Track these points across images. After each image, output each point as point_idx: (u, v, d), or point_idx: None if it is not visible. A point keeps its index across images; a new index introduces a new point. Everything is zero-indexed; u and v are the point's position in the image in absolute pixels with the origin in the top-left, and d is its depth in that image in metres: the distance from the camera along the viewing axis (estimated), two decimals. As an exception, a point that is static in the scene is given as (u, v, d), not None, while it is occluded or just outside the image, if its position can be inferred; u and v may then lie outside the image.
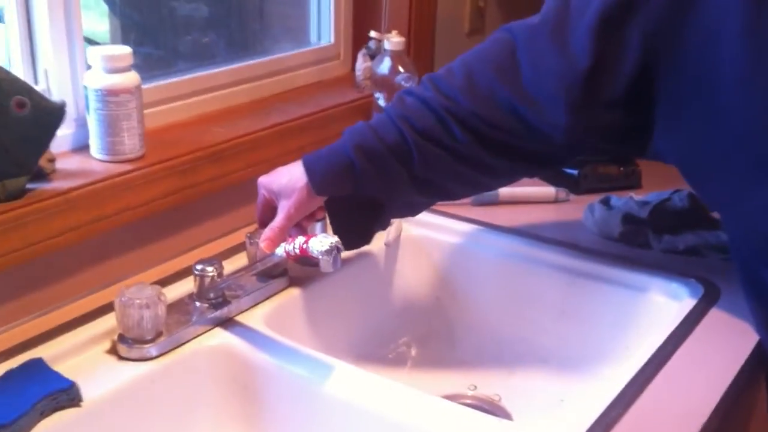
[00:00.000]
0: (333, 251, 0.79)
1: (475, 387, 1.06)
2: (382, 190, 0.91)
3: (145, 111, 1.01)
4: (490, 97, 0.87)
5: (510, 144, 0.89)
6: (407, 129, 0.89)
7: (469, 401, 1.04)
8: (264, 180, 0.92)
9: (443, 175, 0.92)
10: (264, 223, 0.91)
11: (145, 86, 1.00)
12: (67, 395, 0.76)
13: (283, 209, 0.89)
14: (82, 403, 0.77)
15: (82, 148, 0.97)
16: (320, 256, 0.79)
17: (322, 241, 0.79)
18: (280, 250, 0.83)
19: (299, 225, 0.91)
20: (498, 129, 0.88)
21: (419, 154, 0.89)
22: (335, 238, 0.79)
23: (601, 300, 1.05)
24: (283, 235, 0.87)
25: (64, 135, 0.97)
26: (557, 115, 0.85)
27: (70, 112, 0.97)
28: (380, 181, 0.90)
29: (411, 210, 0.99)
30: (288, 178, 0.90)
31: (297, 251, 0.81)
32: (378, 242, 1.10)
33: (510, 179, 1.01)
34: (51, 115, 0.85)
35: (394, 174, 0.90)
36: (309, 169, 0.89)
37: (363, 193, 0.90)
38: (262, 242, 0.87)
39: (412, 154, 0.89)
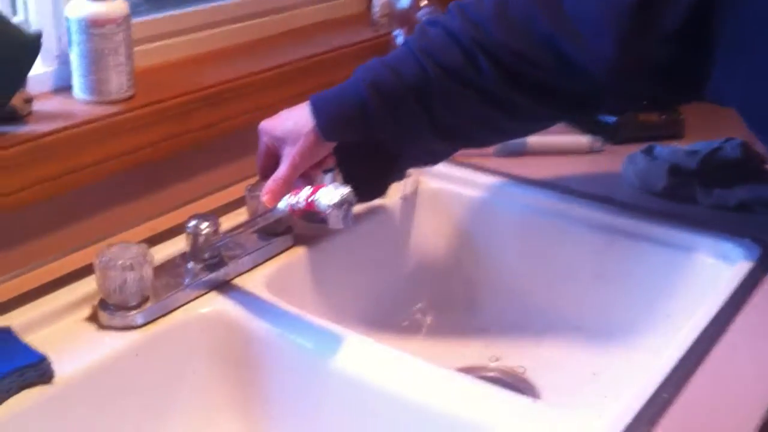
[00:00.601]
0: (344, 205, 0.68)
1: (498, 358, 0.96)
2: (399, 134, 0.81)
3: (137, 48, 0.91)
4: (526, 27, 0.77)
5: (544, 83, 0.79)
6: (430, 64, 0.78)
7: (491, 374, 0.94)
8: (266, 125, 0.82)
9: (467, 119, 0.82)
10: (266, 174, 0.81)
11: (136, 20, 0.89)
12: (35, 371, 0.67)
13: (287, 157, 0.79)
14: (53, 380, 0.67)
15: (65, 88, 0.87)
16: (329, 211, 0.69)
17: (331, 193, 0.69)
18: (284, 204, 0.73)
19: (306, 175, 0.81)
20: (532, 65, 0.78)
21: (442, 94, 0.79)
22: (346, 190, 0.69)
23: (641, 261, 0.94)
24: (286, 187, 0.78)
25: (45, 73, 0.87)
26: (603, 49, 0.74)
27: (51, 47, 0.87)
28: (396, 124, 0.80)
29: (430, 158, 0.90)
30: (293, 122, 0.79)
31: (302, 205, 0.71)
32: (393, 196, 0.99)
33: (540, 125, 0.90)
34: (23, 47, 0.74)
35: (413, 116, 0.80)
36: (317, 111, 0.79)
37: (377, 138, 0.81)
38: (264, 195, 0.77)
39: (433, 94, 0.79)
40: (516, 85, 0.79)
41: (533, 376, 0.94)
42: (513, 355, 0.96)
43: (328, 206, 0.68)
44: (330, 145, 0.81)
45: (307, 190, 0.71)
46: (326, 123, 0.78)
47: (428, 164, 0.93)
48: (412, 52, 0.79)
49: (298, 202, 0.71)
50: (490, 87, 0.79)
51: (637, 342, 0.92)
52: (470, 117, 0.82)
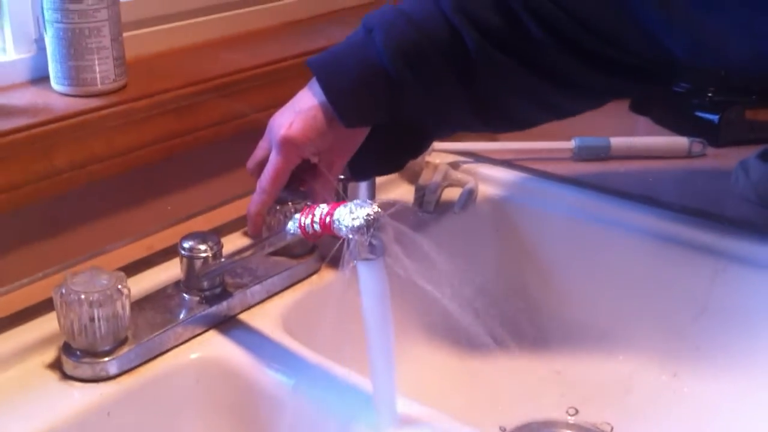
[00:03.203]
0: (371, 229, 0.50)
1: (577, 411, 0.77)
2: (428, 112, 0.66)
3: (131, 33, 0.75)
4: None
5: (606, 54, 0.64)
6: (467, 26, 0.63)
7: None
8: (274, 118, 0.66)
9: (511, 94, 0.67)
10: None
11: (129, -1, 0.74)
12: (-34, 440, 0.51)
13: (276, 146, 0.65)
14: (-7, 451, 0.52)
15: (43, 78, 0.71)
16: (350, 236, 0.50)
17: (353, 212, 0.50)
18: (294, 225, 0.55)
19: (317, 184, 0.67)
20: (595, 33, 0.63)
21: (483, 63, 0.63)
22: (373, 207, 0.50)
23: (757, 293, 0.75)
24: (270, 200, 0.65)
25: (19, 60, 0.72)
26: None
27: (28, 30, 0.72)
28: (427, 101, 0.64)
29: (459, 131, 0.76)
30: (292, 104, 0.65)
31: (317, 227, 0.53)
32: (446, 207, 0.83)
33: (597, 101, 0.73)
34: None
35: (447, 90, 0.65)
36: (325, 81, 0.64)
37: (401, 117, 0.65)
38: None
39: (473, 64, 0.63)
40: (572, 53, 0.64)
41: (622, 436, 0.75)
42: (595, 406, 0.78)
43: (349, 229, 0.50)
44: (338, 131, 0.65)
45: (323, 207, 0.53)
46: (342, 95, 0.63)
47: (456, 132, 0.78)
48: (442, 11, 0.64)
49: (311, 224, 0.53)
50: (539, 56, 0.64)
51: (752, 393, 0.74)
52: (515, 90, 0.67)
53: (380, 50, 0.63)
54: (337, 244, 0.52)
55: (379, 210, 0.50)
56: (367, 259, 0.51)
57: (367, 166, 0.70)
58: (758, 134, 0.93)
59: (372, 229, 0.50)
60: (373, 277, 0.51)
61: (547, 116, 0.73)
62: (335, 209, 0.52)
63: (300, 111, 0.65)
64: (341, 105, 0.63)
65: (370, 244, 0.50)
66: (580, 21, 0.62)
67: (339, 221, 0.51)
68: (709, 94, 0.96)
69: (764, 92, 0.94)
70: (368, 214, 0.50)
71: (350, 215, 0.50)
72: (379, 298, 0.52)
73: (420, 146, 0.72)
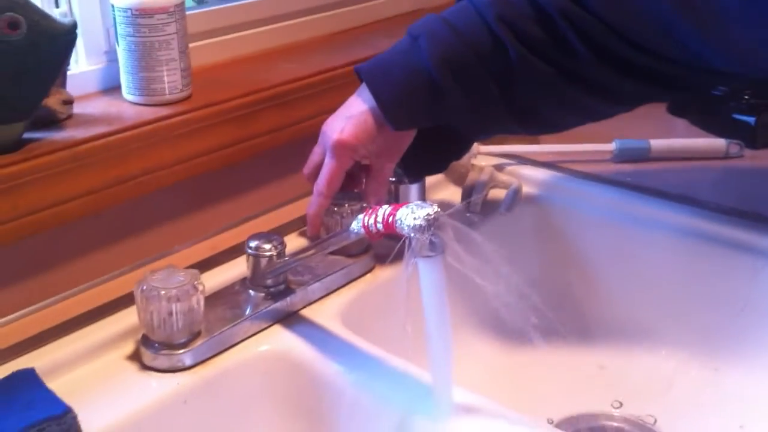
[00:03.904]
0: (431, 228, 0.53)
1: (621, 404, 0.80)
2: (470, 116, 0.69)
3: (197, 43, 0.80)
4: (635, 3, 0.62)
5: (644, 64, 0.66)
6: (509, 36, 0.65)
7: (615, 424, 0.78)
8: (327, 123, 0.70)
9: (549, 100, 0.69)
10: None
11: (194, 11, 0.78)
12: (59, 426, 0.55)
13: (330, 151, 0.68)
14: (81, 435, 0.56)
15: (114, 89, 0.76)
16: (411, 235, 0.54)
17: (415, 212, 0.54)
18: (357, 225, 0.59)
19: (375, 185, 0.70)
20: (636, 48, 0.65)
21: (523, 71, 0.66)
22: (434, 208, 0.54)
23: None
24: (326, 202, 0.68)
25: (91, 71, 0.76)
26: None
27: (99, 42, 0.77)
28: (469, 106, 0.68)
29: (500, 134, 0.79)
30: (345, 110, 0.69)
31: (381, 226, 0.57)
32: (492, 208, 0.86)
33: (632, 106, 0.75)
34: (55, 39, 0.63)
35: (488, 96, 0.67)
36: (374, 86, 0.67)
37: (445, 121, 0.69)
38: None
39: (513, 71, 0.66)
40: (612, 66, 0.66)
41: (665, 427, 0.77)
42: (639, 399, 0.80)
43: (411, 228, 0.54)
44: (387, 135, 0.68)
45: (386, 208, 0.56)
46: (390, 101, 0.66)
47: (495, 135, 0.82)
48: (485, 21, 0.66)
49: (374, 223, 0.57)
50: (578, 67, 0.66)
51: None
52: (552, 98, 0.69)
53: (425, 58, 0.66)
54: (399, 243, 0.55)
55: (439, 210, 0.54)
56: (427, 257, 0.54)
57: (414, 167, 0.74)
58: (795, 135, 0.95)
59: (432, 228, 0.53)
60: (433, 274, 0.55)
61: (582, 120, 0.76)
62: (397, 210, 0.55)
63: (351, 116, 0.68)
64: (389, 110, 0.66)
65: (430, 242, 0.54)
66: (618, 33, 0.65)
67: (401, 221, 0.54)
68: (746, 97, 0.98)
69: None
70: (428, 214, 0.53)
71: (412, 215, 0.54)
72: (438, 293, 0.55)
73: (462, 148, 0.75)
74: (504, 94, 0.68)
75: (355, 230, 0.59)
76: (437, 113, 0.69)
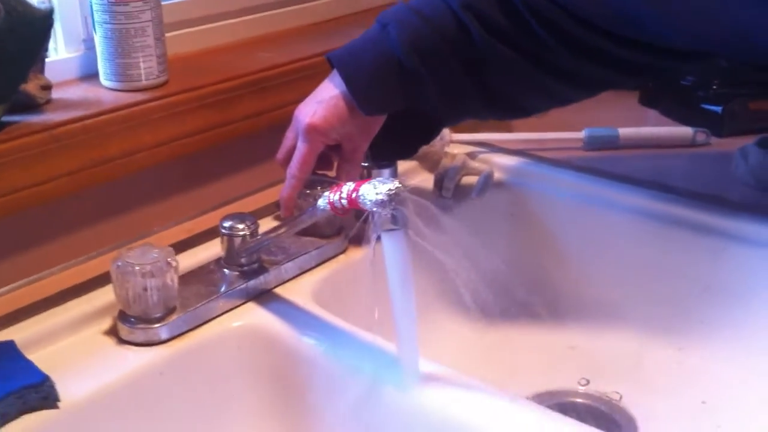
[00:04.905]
0: (392, 202, 0.56)
1: (588, 381, 0.82)
2: (438, 100, 0.71)
3: (175, 33, 0.82)
4: None
5: (608, 51, 0.68)
6: (473, 22, 0.68)
7: (580, 400, 0.80)
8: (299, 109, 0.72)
9: (515, 85, 0.72)
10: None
11: (173, 1, 0.80)
12: (37, 393, 0.57)
13: (301, 133, 0.70)
14: (59, 404, 0.58)
15: (92, 75, 0.78)
16: (374, 210, 0.56)
17: (377, 187, 0.56)
18: (323, 202, 0.61)
19: (347, 164, 0.71)
20: (597, 32, 0.67)
21: (489, 56, 0.68)
22: (395, 184, 0.56)
23: (757, 271, 0.79)
24: (299, 184, 0.69)
25: (70, 59, 0.78)
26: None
27: (77, 30, 0.79)
28: (438, 91, 0.70)
29: (468, 119, 0.80)
30: (316, 94, 0.70)
31: (345, 202, 0.59)
32: (464, 194, 0.88)
33: (596, 90, 0.78)
34: (32, 25, 0.65)
35: (455, 80, 0.69)
36: (345, 71, 0.68)
37: (414, 105, 0.70)
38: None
39: (480, 56, 0.68)
40: (571, 49, 0.68)
41: (631, 403, 0.80)
42: (606, 378, 0.83)
43: (373, 203, 0.56)
44: (358, 118, 0.70)
45: (350, 185, 0.59)
46: (361, 85, 0.68)
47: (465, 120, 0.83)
48: (451, 8, 0.69)
49: (339, 199, 0.59)
50: (541, 51, 0.69)
51: (753, 365, 0.78)
52: (519, 82, 0.72)
53: (395, 43, 0.68)
54: (359, 221, 0.58)
55: (400, 185, 0.56)
56: (389, 230, 0.56)
57: (383, 150, 0.76)
58: (761, 124, 0.97)
59: (393, 203, 0.55)
60: (396, 246, 0.57)
61: (549, 104, 0.78)
62: (360, 186, 0.57)
63: (322, 101, 0.70)
64: (360, 94, 0.69)
65: (392, 215, 0.56)
66: (578, 18, 0.67)
67: (364, 196, 0.56)
68: (714, 87, 1.00)
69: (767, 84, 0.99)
70: (389, 189, 0.55)
71: (374, 190, 0.56)
72: (401, 265, 0.57)
73: (432, 133, 0.77)
74: (472, 78, 0.71)
75: (322, 207, 0.61)
76: (407, 98, 0.71)
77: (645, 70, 0.72)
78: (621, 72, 0.71)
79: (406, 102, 0.71)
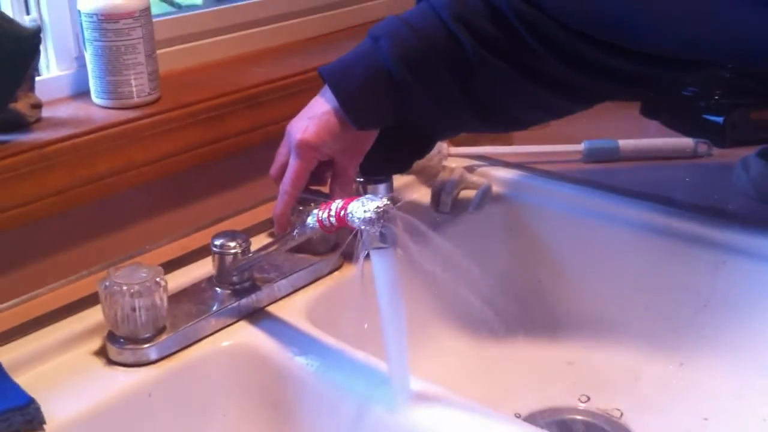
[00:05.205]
0: (381, 220, 0.55)
1: (588, 398, 0.81)
2: (431, 113, 0.70)
3: (167, 49, 0.82)
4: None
5: (599, 62, 0.68)
6: (464, 34, 0.67)
7: (580, 417, 0.79)
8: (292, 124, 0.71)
9: (507, 96, 0.71)
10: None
11: (165, 18, 0.80)
12: (22, 416, 0.56)
13: (294, 150, 0.69)
14: (45, 427, 0.57)
15: (84, 93, 0.78)
16: (362, 227, 0.55)
17: (365, 204, 0.55)
18: (312, 220, 0.60)
19: (340, 184, 0.70)
20: (587, 42, 0.66)
21: (481, 68, 0.68)
22: (384, 201, 0.55)
23: (759, 285, 0.78)
24: (292, 200, 0.69)
25: (62, 77, 0.78)
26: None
27: (69, 47, 0.79)
28: (430, 104, 0.69)
29: (461, 132, 0.80)
30: (308, 110, 0.70)
31: (334, 220, 0.58)
32: (462, 208, 0.87)
33: (590, 102, 0.77)
34: (19, 43, 0.65)
35: (447, 93, 0.69)
36: (336, 87, 0.68)
37: (407, 119, 0.70)
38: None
39: (471, 69, 0.68)
40: (565, 61, 0.68)
41: (632, 420, 0.78)
42: (606, 394, 0.81)
43: (361, 221, 0.55)
44: (350, 133, 0.69)
45: (338, 202, 0.58)
46: (352, 100, 0.67)
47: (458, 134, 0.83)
48: (442, 20, 0.68)
49: (328, 217, 0.58)
50: (533, 62, 0.68)
51: (756, 381, 0.77)
52: (511, 94, 0.71)
53: (386, 57, 0.67)
54: (349, 237, 0.57)
55: (389, 203, 0.55)
56: (378, 248, 0.56)
57: (376, 165, 0.75)
58: (763, 135, 0.96)
59: (382, 220, 0.55)
60: (385, 264, 0.56)
61: (543, 116, 0.77)
62: (349, 203, 0.57)
63: (314, 116, 0.69)
64: (351, 108, 0.68)
65: (381, 233, 0.55)
66: (568, 28, 0.66)
67: (352, 214, 0.56)
68: (716, 97, 0.99)
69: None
70: (378, 207, 0.55)
71: (362, 208, 0.55)
72: (390, 283, 0.57)
73: (425, 147, 0.76)
74: (464, 91, 0.70)
75: (311, 224, 0.60)
76: (399, 112, 0.70)
77: (638, 81, 0.71)
78: (614, 82, 0.70)
79: (397, 115, 0.70)
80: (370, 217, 0.55)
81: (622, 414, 0.79)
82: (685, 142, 0.96)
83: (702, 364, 0.80)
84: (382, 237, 0.55)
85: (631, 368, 0.83)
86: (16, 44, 0.64)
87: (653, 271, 0.84)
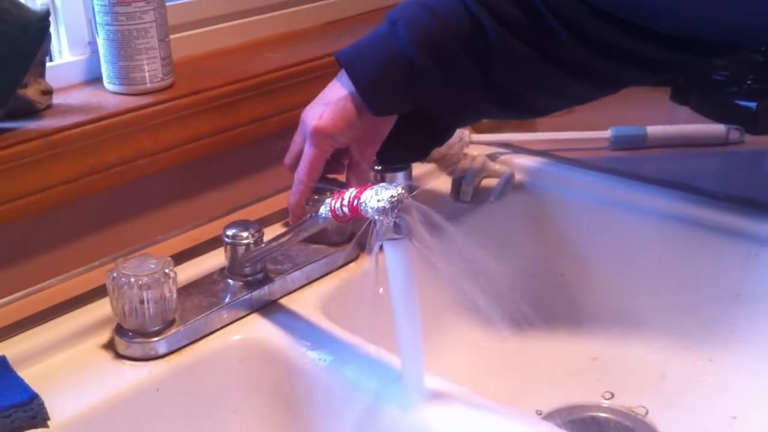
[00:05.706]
0: (395, 210, 0.53)
1: (612, 395, 0.79)
2: (449, 100, 0.67)
3: (181, 34, 0.80)
4: None
5: (623, 46, 0.65)
6: (487, 17, 0.64)
7: (603, 415, 0.77)
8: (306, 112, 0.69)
9: (529, 82, 0.68)
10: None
11: (178, 2, 0.78)
12: (25, 412, 0.55)
13: (309, 137, 0.67)
14: (49, 422, 0.55)
15: (97, 79, 0.76)
16: (375, 217, 0.53)
17: (379, 194, 0.53)
18: (325, 209, 0.58)
19: (356, 173, 0.67)
20: (611, 23, 0.64)
21: (502, 53, 0.65)
22: (398, 190, 0.53)
23: (794, 279, 0.75)
24: (307, 190, 0.67)
25: (75, 62, 0.77)
26: None
27: (82, 33, 0.77)
28: (448, 90, 0.66)
29: (479, 119, 0.79)
30: (323, 97, 0.68)
31: (346, 210, 0.56)
32: (483, 197, 0.84)
33: (614, 89, 0.74)
34: (26, 28, 0.63)
35: (467, 79, 0.66)
36: (353, 72, 0.65)
37: (425, 105, 0.67)
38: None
39: (492, 53, 0.65)
40: (589, 46, 0.65)
41: (657, 419, 0.76)
42: (631, 391, 0.79)
43: (375, 211, 0.53)
44: (366, 120, 0.67)
45: (351, 191, 0.56)
46: (369, 85, 0.65)
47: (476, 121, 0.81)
48: (462, 3, 0.66)
49: (340, 206, 0.56)
50: (556, 47, 0.65)
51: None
52: (532, 79, 0.68)
53: (403, 41, 0.65)
54: (363, 227, 0.55)
55: (403, 192, 0.53)
56: (392, 239, 0.53)
57: (393, 153, 0.73)
58: (797, 121, 0.93)
59: (396, 210, 0.52)
60: (399, 256, 0.54)
61: (564, 103, 0.74)
62: (362, 192, 0.54)
63: (329, 102, 0.67)
64: (368, 94, 0.66)
65: (395, 224, 0.53)
66: (595, 10, 0.64)
67: (365, 203, 0.53)
68: (748, 82, 0.96)
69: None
70: (392, 196, 0.52)
71: (375, 197, 0.53)
72: (404, 275, 0.54)
73: (443, 134, 0.74)
74: (484, 76, 0.67)
75: (323, 214, 0.58)
76: (417, 97, 0.68)
77: (664, 66, 0.68)
78: (639, 67, 0.68)
79: (415, 102, 0.68)
80: (384, 206, 0.52)
81: (647, 412, 0.77)
82: (717, 128, 0.92)
83: (732, 360, 0.77)
84: (397, 228, 0.53)
85: (657, 364, 0.80)
86: (23, 29, 0.62)
87: (682, 264, 0.81)
